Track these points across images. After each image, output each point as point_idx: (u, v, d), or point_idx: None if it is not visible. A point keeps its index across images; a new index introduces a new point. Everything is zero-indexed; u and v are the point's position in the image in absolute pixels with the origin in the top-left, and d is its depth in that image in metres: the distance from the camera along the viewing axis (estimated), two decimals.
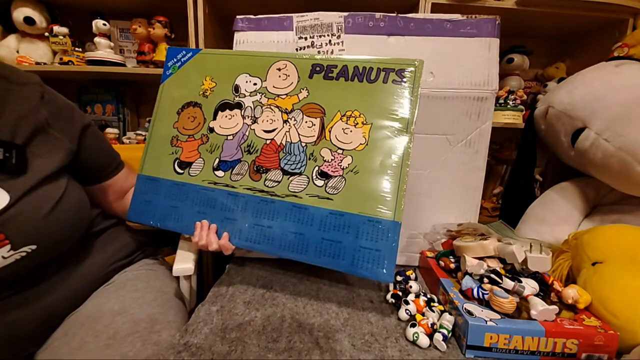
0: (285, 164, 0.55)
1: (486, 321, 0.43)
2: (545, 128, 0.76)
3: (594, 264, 0.52)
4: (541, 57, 1.19)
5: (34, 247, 0.43)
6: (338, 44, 0.65)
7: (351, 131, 0.54)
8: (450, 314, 0.48)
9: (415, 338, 0.45)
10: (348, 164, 0.53)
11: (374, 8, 0.68)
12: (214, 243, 0.54)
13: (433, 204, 0.66)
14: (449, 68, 0.63)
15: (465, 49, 0.63)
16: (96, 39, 0.97)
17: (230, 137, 0.59)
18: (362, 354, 0.43)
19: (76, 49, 0.98)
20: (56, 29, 0.97)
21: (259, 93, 0.59)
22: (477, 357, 0.43)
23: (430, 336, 0.45)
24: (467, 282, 0.50)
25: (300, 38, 0.66)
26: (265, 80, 0.59)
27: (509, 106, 0.98)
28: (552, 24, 1.06)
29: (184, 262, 0.60)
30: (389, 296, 0.55)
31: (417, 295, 0.53)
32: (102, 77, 1.10)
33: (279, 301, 0.54)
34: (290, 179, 0.54)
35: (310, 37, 0.66)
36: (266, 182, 0.55)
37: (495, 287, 0.47)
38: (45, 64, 0.99)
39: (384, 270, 0.48)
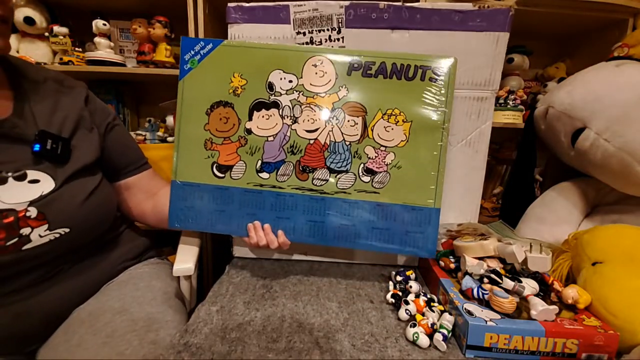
0: (331, 162, 0.57)
1: (486, 321, 0.43)
2: (545, 128, 0.76)
3: (594, 264, 0.52)
4: (541, 57, 1.19)
5: (67, 229, 0.48)
6: (338, 39, 0.63)
7: (392, 129, 0.57)
8: (450, 314, 0.48)
9: (415, 338, 0.45)
10: (391, 160, 0.57)
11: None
12: (275, 241, 0.56)
13: None
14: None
15: (471, 45, 0.61)
16: (96, 39, 0.97)
17: (271, 139, 0.58)
18: (362, 354, 0.43)
19: (76, 49, 0.98)
20: (56, 29, 0.97)
21: (296, 91, 0.58)
22: (477, 357, 0.43)
23: (430, 336, 0.45)
24: (467, 282, 0.50)
25: (298, 33, 0.64)
26: (302, 78, 0.58)
27: (509, 106, 0.98)
28: (552, 24, 1.06)
29: (184, 262, 0.60)
30: (389, 296, 0.55)
31: (417, 295, 0.54)
32: (102, 77, 1.09)
33: (279, 301, 0.54)
34: (338, 176, 0.57)
35: (309, 32, 0.64)
36: (314, 181, 0.57)
37: (495, 287, 0.47)
38: (45, 64, 0.99)
39: (429, 247, 0.56)
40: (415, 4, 0.61)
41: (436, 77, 0.56)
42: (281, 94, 0.58)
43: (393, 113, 0.57)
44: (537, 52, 1.14)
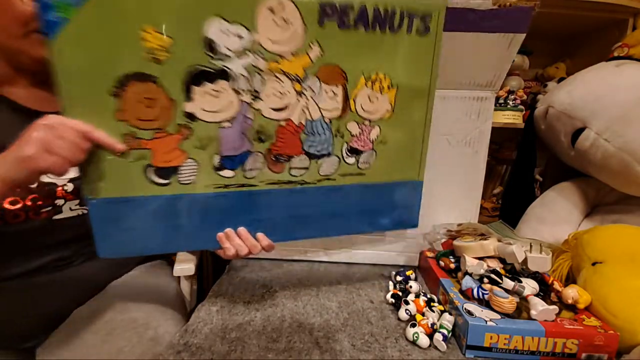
0: (310, 146, 0.47)
1: (486, 321, 0.43)
2: (545, 128, 0.76)
3: (593, 264, 0.52)
4: (541, 57, 1.18)
5: None
6: None
7: (377, 98, 0.47)
8: (450, 314, 0.48)
9: (415, 338, 0.45)
10: (376, 136, 0.49)
11: None
12: (257, 246, 0.47)
13: (433, 204, 0.66)
14: (456, 68, 0.59)
15: (481, 46, 0.56)
16: None
17: (227, 124, 0.42)
18: (362, 354, 0.43)
19: None
20: None
21: (251, 52, 0.41)
22: (477, 357, 0.43)
23: (430, 336, 0.45)
24: (467, 282, 0.50)
25: None
26: (256, 31, 0.40)
27: (509, 106, 0.98)
28: (552, 24, 1.05)
29: (185, 262, 0.60)
30: (389, 296, 0.55)
31: (417, 295, 0.54)
32: None
33: (279, 301, 0.54)
34: (319, 162, 0.48)
35: None
36: (292, 171, 0.47)
37: (495, 287, 0.47)
38: None
39: (414, 220, 0.55)
40: None
41: (424, 28, 0.47)
42: (229, 58, 0.40)
43: (378, 78, 0.47)
44: (537, 52, 1.14)
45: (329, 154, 0.48)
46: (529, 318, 0.44)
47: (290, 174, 0.47)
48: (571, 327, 0.43)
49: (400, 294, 0.54)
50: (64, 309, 0.51)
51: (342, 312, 0.52)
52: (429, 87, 0.49)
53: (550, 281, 0.51)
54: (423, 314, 0.49)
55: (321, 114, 0.46)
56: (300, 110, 0.45)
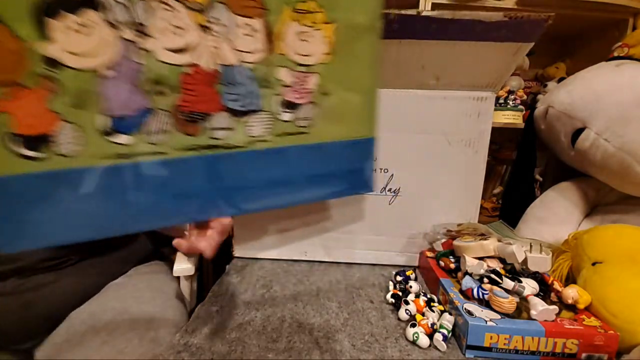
0: (231, 100, 0.36)
1: (486, 321, 0.43)
2: (545, 128, 0.76)
3: (594, 264, 0.52)
4: (541, 57, 1.19)
5: None
6: None
7: (311, 36, 0.37)
8: (450, 314, 0.48)
9: (415, 338, 0.45)
10: (316, 85, 0.39)
11: None
12: (201, 242, 0.38)
13: (433, 204, 0.66)
14: (458, 71, 0.58)
15: (486, 52, 0.54)
16: None
17: (110, 72, 0.31)
18: (362, 354, 0.43)
19: None
20: None
21: None
22: (477, 357, 0.43)
23: (430, 336, 0.45)
24: (467, 282, 0.50)
25: None
26: None
27: (509, 106, 0.98)
28: (552, 24, 1.06)
29: (185, 262, 0.60)
30: (389, 296, 0.55)
31: (417, 295, 0.53)
32: None
33: (279, 301, 0.54)
34: (245, 120, 0.37)
35: None
36: (211, 132, 0.36)
37: (495, 287, 0.47)
38: None
39: (368, 184, 0.48)
40: (432, 13, 0.52)
41: None
42: None
43: (308, 9, 0.36)
44: (537, 52, 1.14)
45: (256, 110, 0.38)
46: (529, 318, 0.44)
47: (211, 137, 0.36)
48: (571, 327, 0.43)
49: (400, 294, 0.54)
50: (60, 310, 0.50)
51: (342, 312, 0.52)
52: (374, 22, 0.40)
53: (550, 281, 0.51)
54: (423, 314, 0.49)
55: (239, 57, 0.35)
56: (209, 51, 0.34)
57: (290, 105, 0.39)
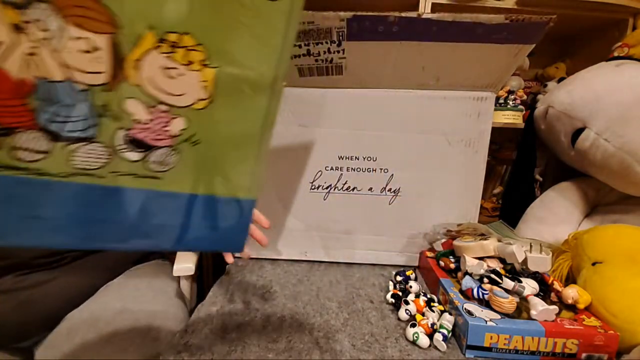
0: (49, 120, 0.29)
1: (486, 321, 0.43)
2: (545, 128, 0.76)
3: (594, 264, 0.52)
4: (541, 57, 1.18)
5: None
6: (338, 52, 0.57)
7: (182, 74, 0.30)
8: (450, 314, 0.48)
9: (415, 338, 0.45)
10: (181, 130, 0.33)
11: (373, 8, 0.64)
12: None
13: (433, 204, 0.66)
14: (458, 72, 0.59)
15: (486, 54, 0.54)
16: None
17: None
18: (362, 354, 0.43)
19: None
20: None
21: None
22: (477, 357, 0.43)
23: (430, 336, 0.45)
24: (467, 282, 0.50)
25: (294, 46, 0.53)
26: None
27: (509, 106, 0.98)
28: (552, 25, 1.06)
29: (185, 262, 0.60)
30: (389, 296, 0.55)
31: (417, 295, 0.54)
32: None
33: (279, 301, 0.54)
34: (70, 147, 0.30)
35: (306, 45, 0.55)
36: (16, 153, 0.29)
37: (495, 287, 0.47)
38: None
39: (239, 246, 0.40)
40: (432, 15, 0.51)
41: None
42: None
43: (181, 43, 0.29)
44: (537, 53, 1.14)
45: (88, 139, 0.31)
46: (529, 318, 0.44)
47: (14, 157, 0.28)
48: (571, 327, 0.43)
49: (400, 294, 0.54)
50: (58, 308, 0.50)
51: (342, 312, 0.52)
52: (274, 78, 0.33)
53: (550, 281, 0.51)
54: (423, 314, 0.49)
55: (67, 74, 0.29)
56: (22, 57, 0.28)
57: (140, 145, 0.32)
